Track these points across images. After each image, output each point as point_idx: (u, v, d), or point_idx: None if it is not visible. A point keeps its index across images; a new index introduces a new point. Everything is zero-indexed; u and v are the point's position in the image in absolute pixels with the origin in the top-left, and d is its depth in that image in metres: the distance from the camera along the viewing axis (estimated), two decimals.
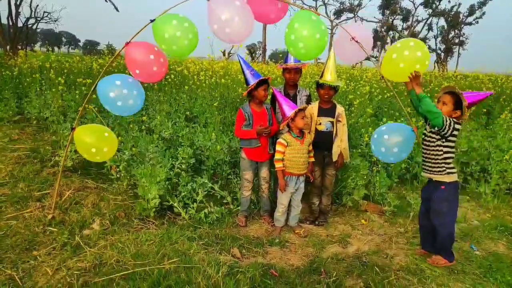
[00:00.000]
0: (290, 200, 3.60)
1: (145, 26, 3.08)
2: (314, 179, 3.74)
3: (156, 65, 3.08)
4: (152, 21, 3.00)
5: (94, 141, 3.20)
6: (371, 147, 3.39)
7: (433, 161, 2.96)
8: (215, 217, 3.73)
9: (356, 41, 3.12)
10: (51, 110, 6.16)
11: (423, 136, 3.08)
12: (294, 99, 3.85)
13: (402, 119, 5.37)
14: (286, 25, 3.22)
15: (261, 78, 3.52)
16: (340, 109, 3.71)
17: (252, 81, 3.50)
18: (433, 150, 2.94)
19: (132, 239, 3.16)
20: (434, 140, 2.93)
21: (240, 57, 3.64)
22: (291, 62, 3.74)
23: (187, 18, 3.05)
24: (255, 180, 3.89)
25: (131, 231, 3.37)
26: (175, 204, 3.72)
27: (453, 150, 2.94)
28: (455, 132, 2.83)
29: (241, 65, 3.60)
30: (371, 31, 3.47)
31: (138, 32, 3.12)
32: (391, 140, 3.15)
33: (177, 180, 4.01)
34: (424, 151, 3.04)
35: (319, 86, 3.66)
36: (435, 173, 2.96)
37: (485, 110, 8.16)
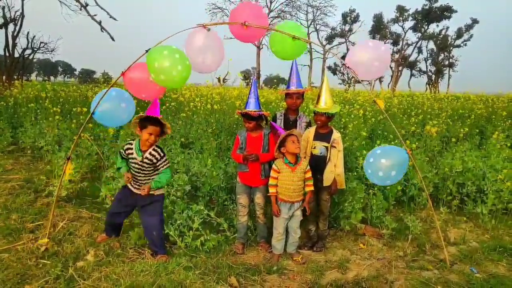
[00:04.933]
0: (288, 226, 3.56)
1: (140, 56, 3.14)
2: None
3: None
4: (147, 51, 3.06)
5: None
6: (366, 172, 3.35)
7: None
8: (212, 245, 3.67)
9: (347, 67, 3.19)
10: (46, 139, 6.16)
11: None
12: (294, 124, 3.89)
13: (396, 141, 5.41)
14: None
15: (239, 111, 3.60)
16: (336, 135, 3.71)
17: (246, 108, 3.56)
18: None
19: (127, 270, 3.09)
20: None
21: (254, 81, 3.71)
22: (293, 88, 3.80)
23: (179, 49, 3.09)
24: (252, 205, 3.86)
25: (126, 261, 3.30)
26: (171, 233, 3.66)
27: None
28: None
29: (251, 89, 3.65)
30: (386, 48, 3.42)
31: (134, 62, 3.18)
32: (388, 163, 3.14)
33: (172, 208, 3.97)
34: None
35: (314, 112, 3.70)
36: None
37: (478, 130, 8.25)
